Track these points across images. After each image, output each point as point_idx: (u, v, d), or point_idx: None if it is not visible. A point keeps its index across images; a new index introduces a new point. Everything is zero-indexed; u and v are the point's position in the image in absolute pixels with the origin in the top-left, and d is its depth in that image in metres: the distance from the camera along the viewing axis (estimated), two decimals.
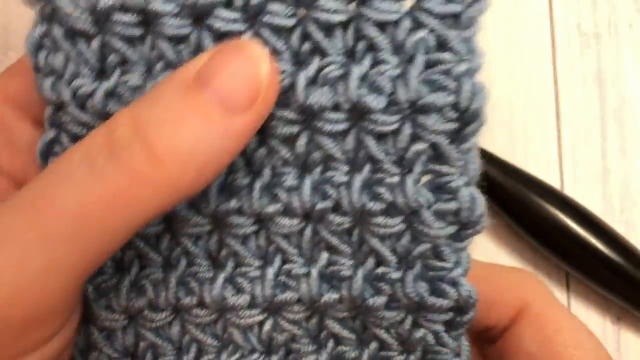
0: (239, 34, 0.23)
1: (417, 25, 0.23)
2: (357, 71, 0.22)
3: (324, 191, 0.24)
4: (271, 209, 0.25)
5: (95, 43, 0.24)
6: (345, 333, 0.26)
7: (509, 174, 0.42)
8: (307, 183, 0.24)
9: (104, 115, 0.24)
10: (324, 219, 0.25)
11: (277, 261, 0.26)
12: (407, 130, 0.23)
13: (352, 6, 0.23)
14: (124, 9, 0.23)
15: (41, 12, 0.24)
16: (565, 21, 0.46)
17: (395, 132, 0.23)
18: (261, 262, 0.26)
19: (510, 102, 0.45)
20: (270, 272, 0.25)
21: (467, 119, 0.23)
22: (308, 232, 0.25)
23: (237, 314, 0.26)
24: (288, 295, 0.25)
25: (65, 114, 0.25)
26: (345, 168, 0.24)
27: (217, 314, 0.26)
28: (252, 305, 0.26)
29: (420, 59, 0.22)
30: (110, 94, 0.24)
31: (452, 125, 0.23)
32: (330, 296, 0.25)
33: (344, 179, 0.24)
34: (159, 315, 0.26)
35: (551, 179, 0.44)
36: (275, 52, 0.23)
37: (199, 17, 0.23)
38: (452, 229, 0.24)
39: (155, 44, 0.23)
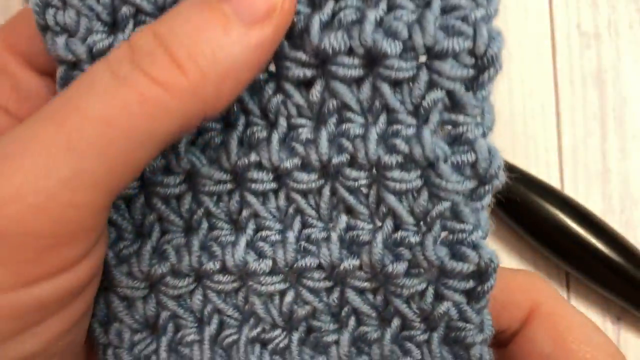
0: None
1: None
2: (372, 15, 0.22)
3: (340, 144, 0.24)
4: (289, 163, 0.24)
5: None
6: (365, 309, 0.26)
7: (509, 174, 0.42)
8: (324, 135, 0.24)
9: None
10: (340, 174, 0.24)
11: (297, 224, 0.25)
12: (423, 77, 0.23)
13: None
14: None
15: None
16: (565, 21, 0.46)
17: (411, 80, 0.23)
18: (281, 226, 0.26)
19: (510, 102, 0.45)
20: (291, 235, 0.25)
21: (483, 65, 0.23)
22: (326, 190, 0.25)
23: (259, 280, 0.25)
24: (309, 260, 0.25)
25: (80, 72, 0.24)
26: (361, 119, 0.24)
27: (239, 282, 0.26)
28: (273, 271, 0.25)
29: (436, 4, 0.22)
30: None
31: (468, 72, 0.23)
32: (351, 262, 0.25)
33: (360, 131, 0.24)
34: (182, 281, 0.26)
35: (551, 179, 0.44)
36: None
37: None
38: (470, 184, 0.24)
39: None
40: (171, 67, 0.20)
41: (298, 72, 0.23)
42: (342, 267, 0.25)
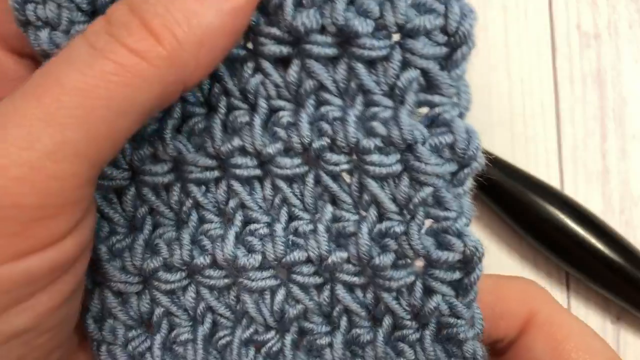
0: None
1: None
2: None
3: (320, 127, 0.24)
4: (272, 148, 0.24)
5: None
6: (355, 307, 0.26)
7: (509, 174, 0.42)
8: (304, 118, 0.24)
9: None
10: (322, 159, 0.24)
11: (284, 215, 0.25)
12: (397, 56, 0.23)
13: None
14: None
15: None
16: (565, 21, 0.46)
17: (385, 59, 0.23)
18: (269, 218, 0.26)
19: (510, 102, 0.45)
20: (279, 228, 0.25)
21: (456, 42, 0.22)
22: (310, 178, 0.25)
23: (249, 276, 0.25)
24: (297, 254, 0.25)
25: None
26: (338, 101, 0.24)
27: (230, 278, 0.26)
28: (263, 266, 0.25)
29: None
30: None
31: (441, 50, 0.22)
32: (339, 255, 0.25)
33: (338, 113, 0.24)
34: (174, 276, 0.26)
35: (551, 179, 0.44)
36: None
37: None
38: (449, 167, 0.23)
39: None
40: (147, 36, 0.20)
41: (274, 48, 0.23)
42: (330, 260, 0.25)
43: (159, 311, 0.26)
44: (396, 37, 0.23)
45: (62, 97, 0.20)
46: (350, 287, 0.26)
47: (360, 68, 0.23)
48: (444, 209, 0.24)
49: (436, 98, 0.23)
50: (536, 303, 0.28)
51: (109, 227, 0.26)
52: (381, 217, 0.25)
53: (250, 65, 0.24)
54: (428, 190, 0.24)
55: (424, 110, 0.24)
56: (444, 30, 0.22)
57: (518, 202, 0.42)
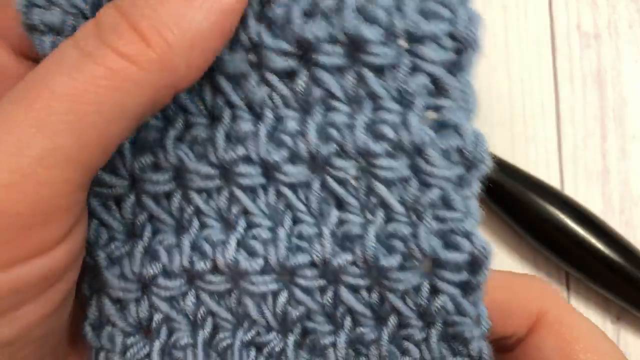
0: None
1: None
2: (351, 2, 0.23)
3: (328, 134, 0.24)
4: (277, 156, 0.24)
5: None
6: (360, 307, 0.25)
7: (509, 174, 0.42)
8: (312, 125, 0.24)
9: None
10: (329, 165, 0.24)
11: (288, 220, 0.25)
12: (405, 62, 0.23)
13: None
14: None
15: None
16: (565, 21, 0.46)
17: (394, 66, 0.23)
18: (272, 223, 0.25)
19: (510, 102, 0.45)
20: (282, 232, 0.25)
21: (464, 47, 0.23)
22: (316, 183, 0.25)
23: (251, 280, 0.25)
24: (301, 257, 0.25)
25: None
26: (346, 108, 0.24)
27: (231, 283, 0.26)
28: (265, 270, 0.25)
29: None
30: None
31: (449, 55, 0.23)
32: (344, 258, 0.25)
33: (346, 120, 0.24)
34: (174, 282, 0.26)
35: (551, 179, 0.44)
36: None
37: None
38: (458, 170, 0.24)
39: None
40: (136, 40, 0.20)
41: (281, 62, 0.23)
42: (335, 263, 0.25)
43: (158, 317, 0.26)
44: (404, 43, 0.23)
45: (53, 102, 0.20)
46: (354, 289, 0.26)
47: (370, 75, 0.23)
48: (452, 211, 0.24)
49: (444, 102, 0.23)
50: (547, 302, 0.27)
51: (107, 234, 0.26)
52: (388, 219, 0.25)
53: (255, 77, 0.24)
54: (436, 192, 0.24)
55: (430, 114, 0.24)
56: (451, 35, 0.23)
57: (518, 202, 0.42)
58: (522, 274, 0.29)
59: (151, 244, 0.26)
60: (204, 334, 0.26)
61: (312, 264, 0.25)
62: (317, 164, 0.25)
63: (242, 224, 0.25)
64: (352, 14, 0.22)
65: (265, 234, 0.25)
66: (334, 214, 0.25)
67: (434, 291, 0.25)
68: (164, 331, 0.26)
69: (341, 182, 0.25)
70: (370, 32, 0.22)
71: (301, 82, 0.24)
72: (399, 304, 0.25)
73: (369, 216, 0.25)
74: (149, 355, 0.26)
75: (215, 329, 0.26)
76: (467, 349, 0.25)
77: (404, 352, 0.25)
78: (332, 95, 0.24)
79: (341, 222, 0.25)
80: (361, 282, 0.25)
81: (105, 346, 0.26)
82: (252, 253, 0.25)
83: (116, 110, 0.20)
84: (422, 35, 0.23)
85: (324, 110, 0.24)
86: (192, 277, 0.26)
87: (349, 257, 0.25)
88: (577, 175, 0.45)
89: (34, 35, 0.24)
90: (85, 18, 0.24)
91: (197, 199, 0.25)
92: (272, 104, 0.24)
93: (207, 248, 0.25)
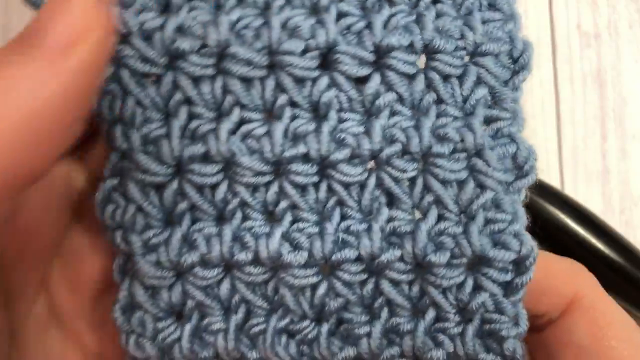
0: None
1: None
2: (429, 17, 0.25)
3: (392, 134, 0.25)
4: (340, 154, 0.25)
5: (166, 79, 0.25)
6: (400, 300, 0.26)
7: None
8: (377, 126, 0.25)
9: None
10: (390, 165, 0.25)
11: (336, 216, 0.26)
12: (472, 73, 0.26)
13: None
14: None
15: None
16: (565, 21, 0.46)
17: (461, 75, 0.26)
18: (318, 218, 0.26)
19: None
20: (330, 227, 0.25)
21: (519, 66, 0.26)
22: (371, 181, 0.25)
23: (292, 273, 0.25)
24: (348, 252, 0.25)
25: (130, 161, 0.25)
26: (409, 112, 0.26)
27: (270, 273, 0.26)
28: (308, 263, 0.25)
29: (477, 15, 0.26)
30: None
31: (507, 72, 0.26)
32: (393, 253, 0.25)
33: (412, 123, 0.25)
34: (211, 272, 0.26)
35: (551, 179, 0.44)
36: None
37: None
38: (509, 176, 0.26)
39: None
40: None
41: (355, 68, 0.25)
42: (383, 258, 0.25)
43: (191, 303, 0.26)
44: (467, 57, 0.26)
45: None
46: (396, 283, 0.26)
47: (439, 82, 0.25)
48: (502, 213, 0.26)
49: (501, 113, 0.26)
50: (583, 287, 0.27)
51: (144, 220, 0.26)
52: (440, 218, 0.26)
53: (325, 80, 0.25)
54: (490, 194, 0.25)
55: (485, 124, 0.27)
56: (510, 54, 0.26)
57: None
58: (561, 257, 0.29)
59: (189, 233, 0.26)
60: (236, 319, 0.26)
61: (358, 259, 0.25)
62: (377, 163, 0.25)
63: (288, 217, 0.26)
64: (432, 26, 0.25)
65: (311, 229, 0.25)
66: (385, 211, 0.26)
67: (477, 288, 0.25)
68: (195, 316, 0.26)
69: (397, 181, 0.25)
70: (445, 43, 0.25)
71: (374, 85, 0.25)
72: (439, 298, 0.25)
73: (418, 214, 0.26)
74: (179, 339, 0.26)
75: (248, 314, 0.26)
76: (501, 347, 0.25)
77: (438, 344, 0.26)
78: (401, 99, 0.25)
79: (391, 219, 0.26)
80: (404, 277, 0.26)
81: (136, 330, 0.26)
82: (296, 246, 0.25)
83: None
84: (488, 50, 0.26)
85: (390, 113, 0.25)
86: (230, 266, 0.26)
87: (397, 252, 0.25)
88: (577, 175, 0.45)
89: (104, 124, 0.25)
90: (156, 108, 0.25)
91: (244, 192, 0.25)
92: (339, 106, 0.25)
93: (249, 239, 0.25)
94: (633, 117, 0.45)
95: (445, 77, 0.26)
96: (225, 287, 0.26)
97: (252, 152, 0.25)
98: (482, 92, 0.26)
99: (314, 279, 0.25)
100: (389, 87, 0.25)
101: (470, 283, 0.25)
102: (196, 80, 0.25)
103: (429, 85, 0.26)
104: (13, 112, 0.20)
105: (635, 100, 0.46)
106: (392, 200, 0.26)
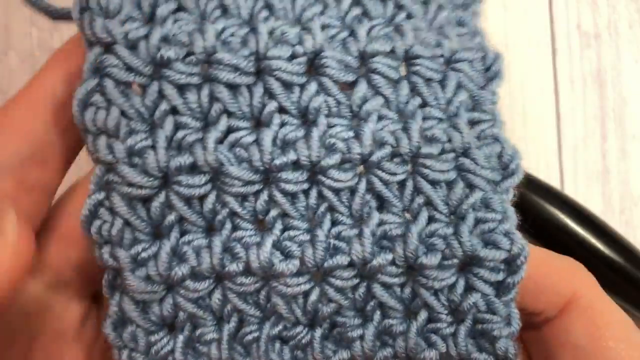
0: None
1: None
2: (408, 28, 0.26)
3: (381, 137, 0.25)
4: (330, 160, 0.25)
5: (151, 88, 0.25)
6: (392, 302, 0.26)
7: None
8: (367, 130, 0.25)
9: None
10: (380, 169, 0.25)
11: (327, 222, 0.25)
12: (452, 77, 0.26)
13: None
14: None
15: (89, 69, 0.24)
16: (565, 21, 0.46)
17: (442, 80, 0.26)
18: (309, 225, 0.25)
19: (510, 102, 0.45)
20: (321, 234, 0.25)
21: (492, 74, 0.27)
22: (362, 186, 0.25)
23: (284, 282, 0.25)
24: (339, 258, 0.25)
25: (115, 174, 0.25)
26: (395, 116, 0.26)
27: (261, 283, 0.25)
28: (300, 272, 0.25)
29: (449, 28, 0.28)
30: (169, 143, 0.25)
31: (482, 78, 0.27)
32: (384, 257, 0.25)
33: (399, 125, 0.26)
34: (202, 284, 0.25)
35: (551, 179, 0.44)
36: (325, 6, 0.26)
37: None
38: (497, 175, 0.26)
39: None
40: None
41: (342, 73, 0.25)
42: (375, 263, 0.25)
43: (183, 315, 0.26)
44: (444, 65, 0.27)
45: None
46: (388, 286, 0.26)
47: (422, 85, 0.26)
48: (492, 212, 0.26)
49: (482, 115, 0.27)
50: (581, 286, 0.27)
51: (131, 234, 0.25)
52: (430, 219, 0.26)
53: (313, 85, 0.25)
54: (479, 194, 0.26)
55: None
56: (482, 61, 0.27)
57: (518, 202, 0.42)
58: (561, 255, 0.29)
59: (178, 245, 0.25)
60: (229, 328, 0.26)
61: (350, 264, 0.25)
62: (367, 167, 0.25)
63: (278, 226, 0.25)
64: (412, 36, 0.26)
65: (302, 236, 0.25)
66: (375, 215, 0.25)
67: (468, 289, 0.25)
68: (187, 327, 0.26)
69: (387, 184, 0.25)
70: (423, 51, 0.26)
71: (361, 91, 0.25)
72: (431, 300, 0.25)
73: (409, 217, 0.26)
74: (172, 351, 0.26)
75: (241, 322, 0.26)
76: (494, 347, 0.25)
77: (431, 344, 0.26)
78: (388, 104, 0.26)
79: (381, 222, 0.26)
80: (396, 279, 0.26)
81: (129, 345, 0.26)
82: (287, 255, 0.25)
83: None
84: (461, 57, 0.27)
85: (377, 117, 0.26)
86: (221, 277, 0.26)
87: (389, 256, 0.25)
88: (577, 175, 0.45)
89: (89, 135, 0.25)
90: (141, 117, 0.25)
91: (233, 202, 0.25)
92: (327, 111, 0.25)
93: (239, 249, 0.25)
94: (633, 117, 0.45)
95: (428, 81, 0.26)
96: (216, 297, 0.26)
97: (241, 161, 0.25)
98: (463, 95, 0.27)
99: (306, 287, 0.25)
100: (376, 92, 0.26)
101: (461, 284, 0.25)
102: (182, 89, 0.24)
103: (413, 89, 0.26)
104: None
105: (635, 100, 0.46)
106: (382, 204, 0.26)
